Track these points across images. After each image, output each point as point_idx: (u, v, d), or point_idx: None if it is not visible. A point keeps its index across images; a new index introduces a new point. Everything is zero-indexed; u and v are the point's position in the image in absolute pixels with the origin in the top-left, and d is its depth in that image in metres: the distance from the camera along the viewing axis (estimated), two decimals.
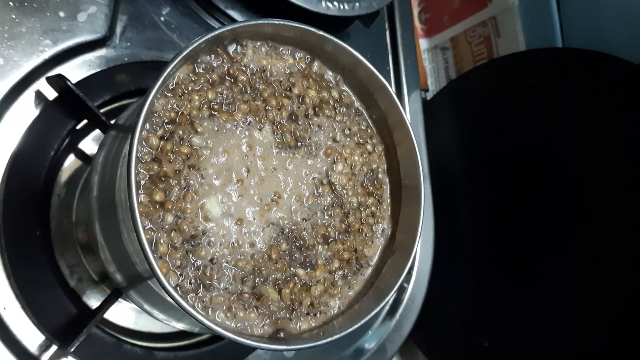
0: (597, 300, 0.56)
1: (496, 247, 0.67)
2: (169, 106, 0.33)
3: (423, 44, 0.83)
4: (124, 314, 0.48)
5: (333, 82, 0.40)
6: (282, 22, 0.35)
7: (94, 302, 0.47)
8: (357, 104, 0.41)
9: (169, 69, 0.31)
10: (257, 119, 0.36)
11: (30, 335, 0.42)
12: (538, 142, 0.63)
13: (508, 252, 0.66)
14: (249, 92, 0.36)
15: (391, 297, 0.35)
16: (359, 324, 0.34)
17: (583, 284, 0.57)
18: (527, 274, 0.63)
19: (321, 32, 0.36)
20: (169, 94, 0.33)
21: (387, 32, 0.67)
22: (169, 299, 0.29)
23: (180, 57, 0.31)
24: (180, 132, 0.33)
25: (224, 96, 0.35)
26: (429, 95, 0.80)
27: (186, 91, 0.33)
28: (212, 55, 0.35)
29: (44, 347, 0.42)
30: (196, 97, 0.34)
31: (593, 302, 0.57)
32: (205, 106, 0.34)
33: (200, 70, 0.34)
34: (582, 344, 0.57)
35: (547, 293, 0.61)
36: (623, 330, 0.54)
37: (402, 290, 0.63)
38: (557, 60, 0.65)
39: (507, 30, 0.72)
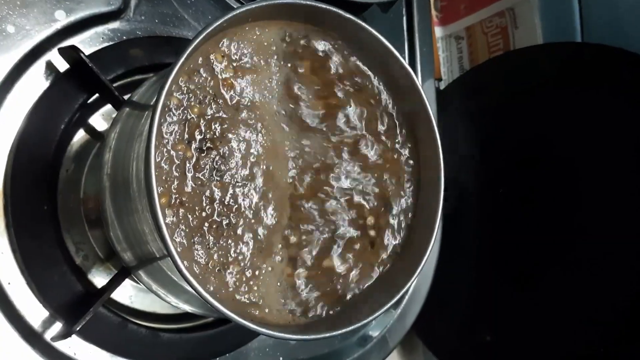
0: (600, 298, 0.56)
1: (501, 242, 0.67)
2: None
3: (438, 32, 0.81)
4: (128, 293, 0.47)
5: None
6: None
7: (99, 280, 0.46)
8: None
9: (190, 47, 0.30)
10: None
11: (34, 312, 0.41)
12: (551, 138, 0.63)
13: (513, 249, 0.65)
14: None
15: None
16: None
17: (585, 281, 0.57)
18: (532, 270, 0.62)
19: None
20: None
21: (404, 19, 0.66)
22: (186, 286, 0.28)
23: (201, 37, 0.30)
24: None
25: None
26: (442, 85, 0.79)
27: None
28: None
29: (48, 324, 0.41)
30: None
31: (595, 299, 0.56)
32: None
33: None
34: (583, 341, 0.57)
35: (550, 291, 0.60)
36: (626, 330, 0.54)
37: None
38: (575, 55, 0.63)
39: (525, 22, 0.70)
